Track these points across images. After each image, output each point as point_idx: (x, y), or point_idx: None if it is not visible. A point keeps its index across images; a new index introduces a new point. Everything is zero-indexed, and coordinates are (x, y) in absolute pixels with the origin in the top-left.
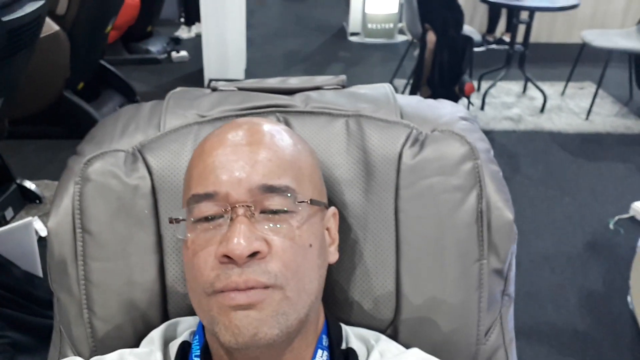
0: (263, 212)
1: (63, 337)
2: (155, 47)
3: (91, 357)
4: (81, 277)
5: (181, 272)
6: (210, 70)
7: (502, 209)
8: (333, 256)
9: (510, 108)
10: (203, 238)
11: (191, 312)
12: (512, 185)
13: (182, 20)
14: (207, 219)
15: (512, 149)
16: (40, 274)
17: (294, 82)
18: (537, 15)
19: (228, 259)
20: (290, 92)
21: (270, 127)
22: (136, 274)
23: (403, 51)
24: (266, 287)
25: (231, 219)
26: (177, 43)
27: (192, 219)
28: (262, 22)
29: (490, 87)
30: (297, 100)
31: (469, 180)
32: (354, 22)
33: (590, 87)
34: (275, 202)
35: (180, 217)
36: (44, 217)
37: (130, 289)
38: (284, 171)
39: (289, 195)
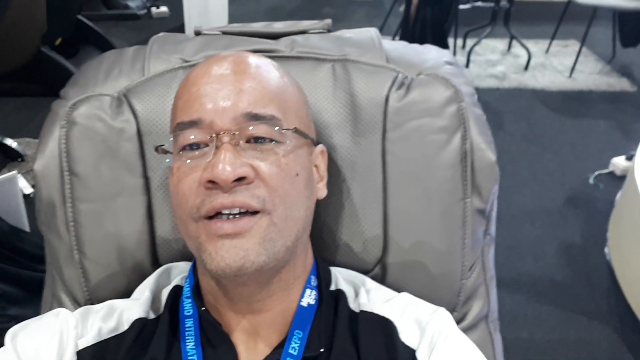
0: (248, 141)
1: (55, 279)
2: (134, 2)
3: (85, 299)
4: (70, 218)
5: (169, 214)
6: (191, 27)
7: (485, 150)
8: (322, 191)
9: (494, 66)
10: (188, 165)
11: (181, 258)
12: (495, 141)
13: None
14: (192, 147)
15: (495, 106)
16: (27, 229)
17: (279, 26)
18: None
19: (213, 184)
20: (275, 36)
21: (256, 59)
22: (124, 215)
23: (388, 7)
24: (255, 212)
25: (216, 147)
26: None
27: (178, 147)
28: None
29: (475, 45)
30: (282, 45)
31: (453, 122)
32: None
33: (574, 45)
34: (260, 130)
35: (166, 145)
36: (27, 175)
37: (119, 230)
38: (270, 100)
39: (274, 124)
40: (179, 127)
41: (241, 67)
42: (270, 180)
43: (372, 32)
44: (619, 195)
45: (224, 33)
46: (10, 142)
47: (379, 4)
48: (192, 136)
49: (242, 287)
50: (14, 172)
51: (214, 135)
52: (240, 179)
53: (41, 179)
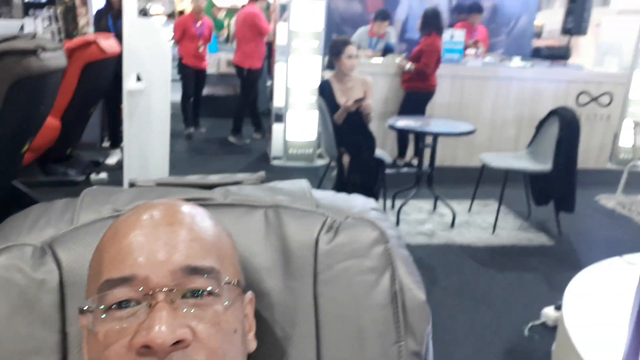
0: (184, 295)
1: None
2: (72, 170)
3: None
4: None
5: None
6: None
7: (415, 290)
8: (252, 344)
9: (423, 224)
10: (116, 329)
11: None
12: (430, 296)
13: (106, 144)
14: (120, 306)
15: (427, 262)
16: None
17: (214, 178)
18: (442, 142)
19: (147, 349)
20: (209, 187)
21: (189, 208)
22: None
23: (322, 173)
24: None
25: (150, 306)
26: (96, 165)
27: (103, 307)
28: (187, 148)
29: (402, 205)
30: (216, 194)
31: (381, 262)
32: (276, 147)
33: (493, 204)
34: (199, 283)
35: (92, 307)
36: None
37: None
38: (208, 252)
39: (214, 277)
40: (107, 285)
41: (175, 217)
42: (209, 342)
43: (302, 182)
44: (554, 347)
45: (159, 184)
46: None
47: (314, 170)
48: (121, 295)
49: None
50: None
51: (148, 292)
52: (177, 342)
53: None
